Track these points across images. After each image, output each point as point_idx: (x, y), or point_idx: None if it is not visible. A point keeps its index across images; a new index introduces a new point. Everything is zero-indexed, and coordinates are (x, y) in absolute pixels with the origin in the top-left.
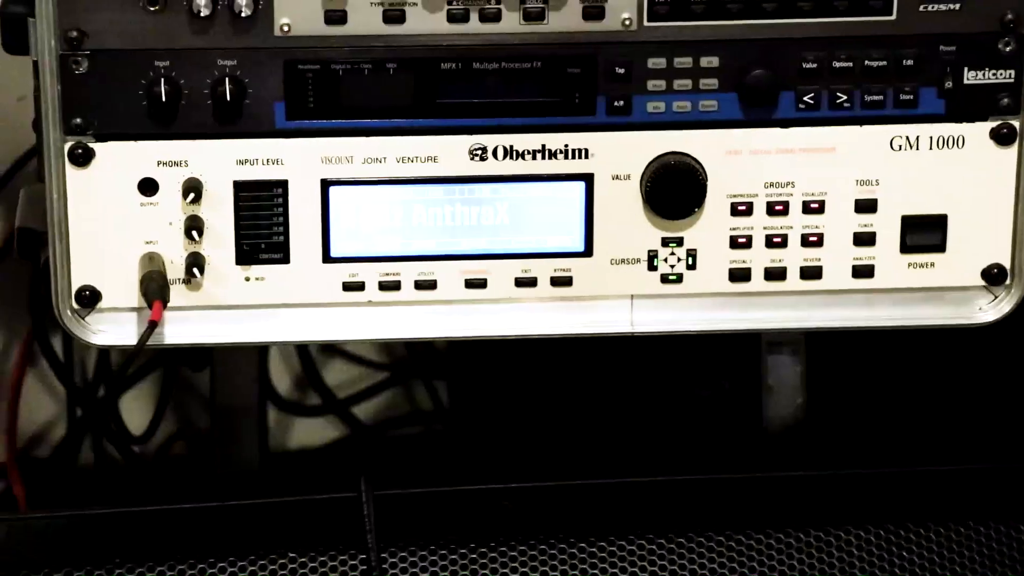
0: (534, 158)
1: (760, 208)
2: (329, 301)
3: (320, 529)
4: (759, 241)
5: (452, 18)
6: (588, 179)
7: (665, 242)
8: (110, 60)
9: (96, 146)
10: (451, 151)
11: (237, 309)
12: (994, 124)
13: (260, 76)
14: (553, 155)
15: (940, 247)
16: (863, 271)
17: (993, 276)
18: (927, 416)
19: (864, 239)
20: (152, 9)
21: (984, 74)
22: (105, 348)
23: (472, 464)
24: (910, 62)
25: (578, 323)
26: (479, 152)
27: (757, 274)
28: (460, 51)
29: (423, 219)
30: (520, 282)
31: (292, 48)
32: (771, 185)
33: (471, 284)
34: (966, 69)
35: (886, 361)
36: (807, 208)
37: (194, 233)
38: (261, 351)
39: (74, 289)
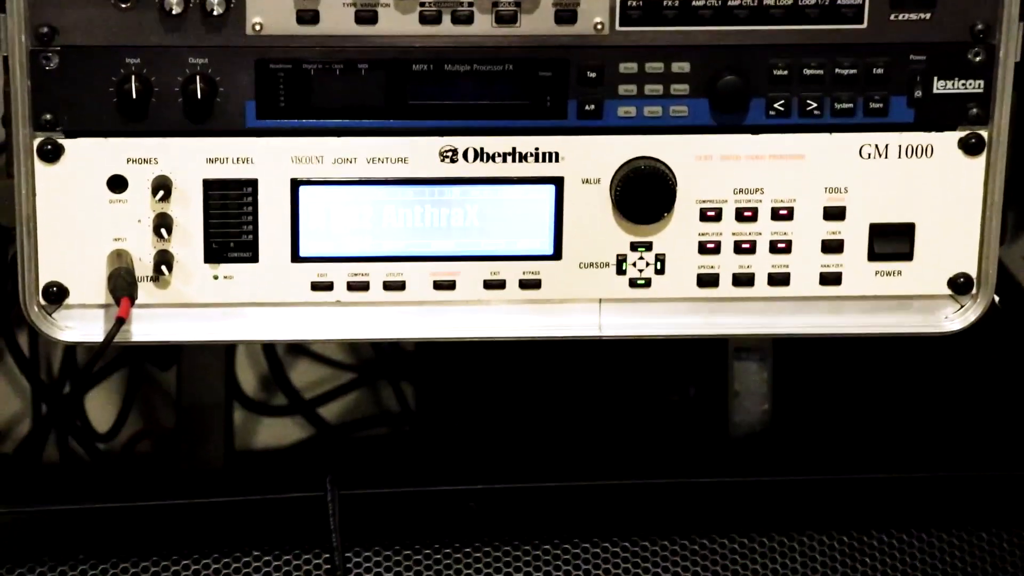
0: (504, 160)
1: (729, 214)
2: (297, 301)
3: (285, 528)
4: (728, 247)
5: (424, 20)
6: (558, 182)
7: (634, 246)
8: (81, 56)
9: (65, 142)
10: (421, 152)
11: (205, 307)
12: (963, 134)
13: (231, 75)
14: (523, 158)
15: (908, 255)
16: (831, 278)
17: (960, 285)
18: (892, 423)
19: (832, 246)
20: (123, 6)
21: (953, 84)
22: (71, 345)
23: (438, 465)
24: (880, 71)
25: (546, 326)
26: (449, 154)
27: (725, 280)
28: (432, 52)
29: (393, 220)
30: (489, 284)
31: (264, 47)
32: (740, 191)
33: (440, 286)
34: (936, 78)
35: (852, 368)
36: (776, 215)
37: (163, 231)
38: (228, 350)
39: (41, 285)
